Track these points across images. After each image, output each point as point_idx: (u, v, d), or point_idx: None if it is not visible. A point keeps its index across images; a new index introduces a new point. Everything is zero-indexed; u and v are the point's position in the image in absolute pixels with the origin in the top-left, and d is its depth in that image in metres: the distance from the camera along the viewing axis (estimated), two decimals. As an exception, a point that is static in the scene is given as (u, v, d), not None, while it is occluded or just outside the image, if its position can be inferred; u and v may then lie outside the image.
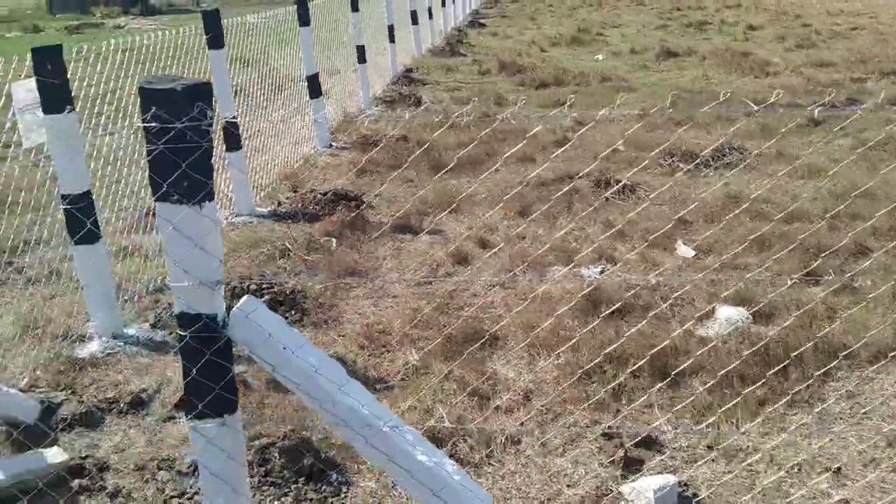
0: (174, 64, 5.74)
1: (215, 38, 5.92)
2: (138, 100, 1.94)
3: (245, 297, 2.15)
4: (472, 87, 11.34)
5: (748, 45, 13.48)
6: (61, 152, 3.98)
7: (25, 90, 3.85)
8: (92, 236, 4.11)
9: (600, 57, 13.36)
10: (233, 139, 6.12)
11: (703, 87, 10.26)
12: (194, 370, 2.11)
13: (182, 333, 2.10)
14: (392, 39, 11.87)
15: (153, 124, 1.93)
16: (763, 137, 7.47)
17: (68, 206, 4.05)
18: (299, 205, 6.35)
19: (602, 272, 4.80)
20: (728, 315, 3.98)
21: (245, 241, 5.61)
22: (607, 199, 6.15)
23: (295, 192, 6.86)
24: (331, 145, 8.34)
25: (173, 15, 27.03)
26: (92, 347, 4.17)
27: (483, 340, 3.73)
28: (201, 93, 1.93)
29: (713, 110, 8.58)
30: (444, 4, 17.11)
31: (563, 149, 6.39)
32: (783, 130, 7.12)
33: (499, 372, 3.76)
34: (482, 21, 20.15)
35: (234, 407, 2.14)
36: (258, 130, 7.48)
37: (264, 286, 4.62)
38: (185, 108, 1.93)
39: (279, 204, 6.50)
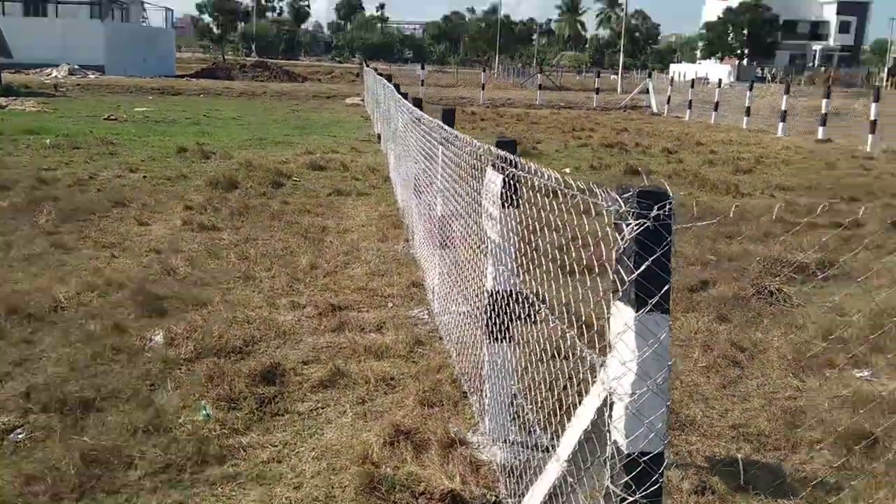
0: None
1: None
2: None
3: None
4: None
5: (700, 170, 14.79)
6: (499, 246, 3.87)
7: (487, 178, 3.78)
8: (506, 335, 3.98)
9: (567, 170, 14.16)
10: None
11: (706, 203, 11.21)
12: None
13: None
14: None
15: None
16: (827, 251, 8.32)
17: (489, 302, 3.93)
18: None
19: (872, 374, 5.20)
20: None
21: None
22: (771, 303, 6.65)
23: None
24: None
25: (39, 98, 25.27)
26: (498, 452, 3.96)
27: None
28: None
29: (756, 224, 9.50)
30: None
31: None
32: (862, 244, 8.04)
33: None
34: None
35: None
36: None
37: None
38: None
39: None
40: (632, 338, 2.04)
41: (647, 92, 35.02)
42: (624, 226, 2.02)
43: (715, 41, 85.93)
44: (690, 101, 29.42)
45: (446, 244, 6.03)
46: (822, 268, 7.77)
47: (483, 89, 34.27)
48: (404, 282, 7.00)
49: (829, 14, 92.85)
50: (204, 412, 4.23)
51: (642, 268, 1.99)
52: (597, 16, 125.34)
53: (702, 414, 4.42)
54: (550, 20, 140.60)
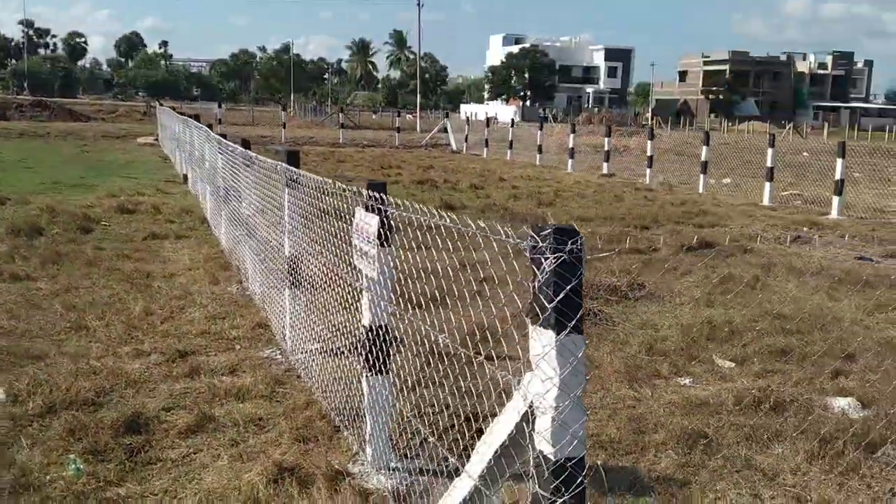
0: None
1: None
2: None
3: None
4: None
5: (507, 204, 15.68)
6: (375, 283, 4.08)
7: (359, 218, 4.02)
8: (381, 368, 4.18)
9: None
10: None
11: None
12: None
13: None
14: None
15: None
16: (633, 275, 9.20)
17: (368, 337, 4.13)
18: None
19: (693, 381, 5.88)
20: (842, 405, 5.33)
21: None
22: (595, 323, 7.28)
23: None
24: None
25: None
26: (383, 480, 4.13)
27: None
28: None
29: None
30: None
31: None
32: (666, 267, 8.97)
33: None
34: None
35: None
36: None
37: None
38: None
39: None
40: (553, 357, 2.34)
41: (446, 131, 36.47)
42: (542, 259, 2.32)
43: (500, 84, 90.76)
44: (487, 140, 30.99)
45: (297, 283, 6.13)
46: (633, 289, 8.60)
47: (284, 128, 34.19)
48: (248, 323, 6.98)
49: (599, 60, 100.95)
50: (74, 466, 4.08)
51: (561, 295, 2.30)
52: (387, 57, 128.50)
53: (559, 428, 4.83)
54: (341, 60, 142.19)
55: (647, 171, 22.13)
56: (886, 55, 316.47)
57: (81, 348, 6.11)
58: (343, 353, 5.03)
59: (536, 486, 2.41)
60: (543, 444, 2.37)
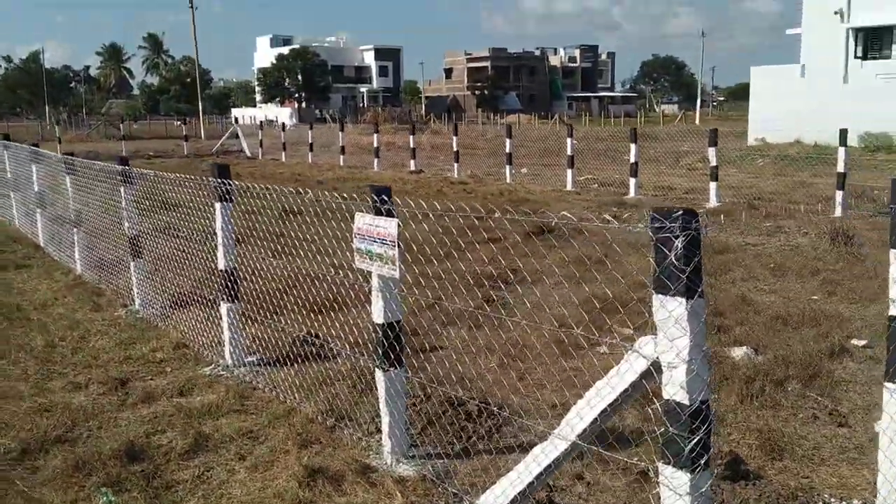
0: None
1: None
2: None
3: None
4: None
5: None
6: (393, 281, 4.35)
7: (364, 222, 4.30)
8: (398, 362, 4.44)
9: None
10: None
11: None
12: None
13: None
14: None
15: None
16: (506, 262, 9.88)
17: (380, 334, 4.39)
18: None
19: (610, 351, 6.59)
20: (741, 353, 6.26)
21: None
22: (492, 310, 7.85)
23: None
24: None
25: None
26: (408, 467, 4.40)
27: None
28: None
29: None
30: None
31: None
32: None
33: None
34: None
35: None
36: None
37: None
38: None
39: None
40: (685, 318, 2.81)
41: (237, 136, 35.62)
42: (672, 238, 2.78)
43: (272, 86, 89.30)
44: (285, 144, 30.74)
45: (234, 298, 6.14)
46: (511, 274, 9.26)
47: (60, 143, 31.89)
48: (166, 345, 6.82)
49: (370, 59, 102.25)
50: (106, 499, 3.99)
51: (690, 267, 2.77)
52: (143, 62, 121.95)
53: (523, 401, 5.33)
54: (88, 67, 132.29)
55: (455, 165, 23.13)
56: (622, 47, 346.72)
57: (8, 388, 5.74)
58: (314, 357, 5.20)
59: (671, 429, 2.87)
60: (679, 393, 2.83)
